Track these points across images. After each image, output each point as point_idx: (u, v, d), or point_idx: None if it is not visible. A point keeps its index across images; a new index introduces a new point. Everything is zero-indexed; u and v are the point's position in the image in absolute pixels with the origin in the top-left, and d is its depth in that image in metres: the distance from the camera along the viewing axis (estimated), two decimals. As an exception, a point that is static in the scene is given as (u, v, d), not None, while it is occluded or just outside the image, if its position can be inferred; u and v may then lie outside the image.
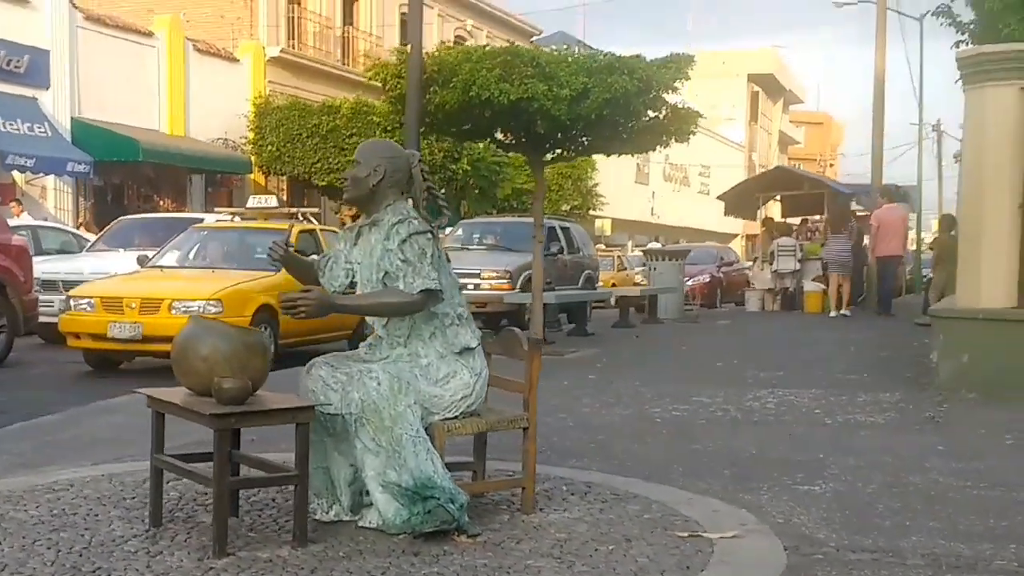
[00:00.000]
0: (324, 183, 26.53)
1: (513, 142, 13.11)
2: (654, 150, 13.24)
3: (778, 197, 25.28)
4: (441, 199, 5.13)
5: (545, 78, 11.34)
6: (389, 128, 25.92)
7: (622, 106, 11.75)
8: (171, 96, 25.39)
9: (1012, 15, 13.28)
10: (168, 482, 5.65)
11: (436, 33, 36.53)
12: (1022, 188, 8.68)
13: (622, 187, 42.37)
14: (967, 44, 16.32)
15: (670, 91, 12.31)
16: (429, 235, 4.83)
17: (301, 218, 14.40)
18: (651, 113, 12.33)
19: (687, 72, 12.16)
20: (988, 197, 8.77)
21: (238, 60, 27.75)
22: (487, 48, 11.86)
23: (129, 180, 24.58)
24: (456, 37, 37.75)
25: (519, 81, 11.29)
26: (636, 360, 12.16)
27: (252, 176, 27.50)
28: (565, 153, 13.16)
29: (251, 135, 26.83)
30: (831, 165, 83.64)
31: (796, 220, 24.60)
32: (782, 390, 9.18)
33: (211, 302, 11.55)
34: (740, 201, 23.68)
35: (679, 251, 20.12)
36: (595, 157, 25.51)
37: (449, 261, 5.13)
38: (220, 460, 4.46)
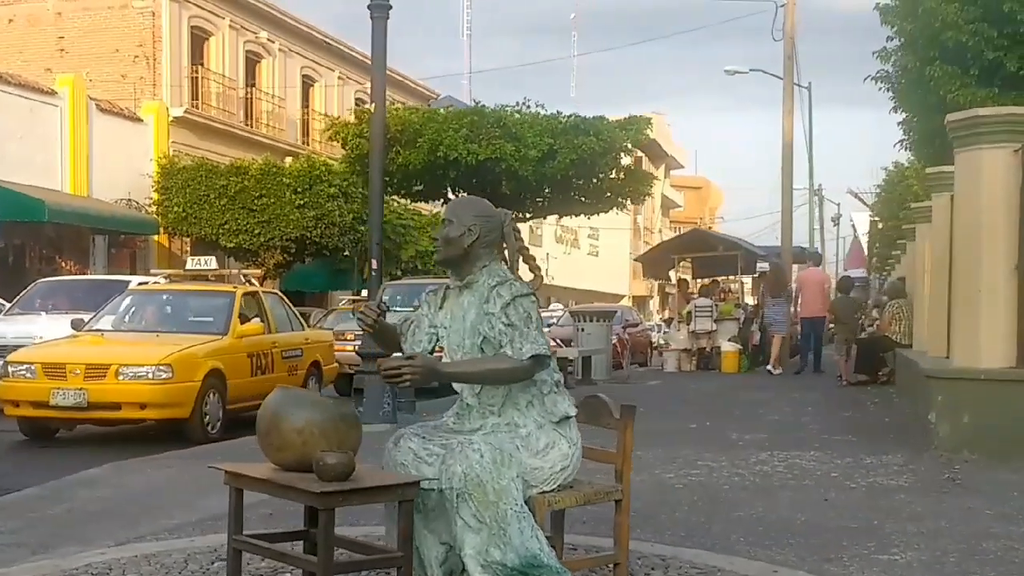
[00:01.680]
0: (232, 244, 25.96)
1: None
2: (610, 211, 13.16)
3: (689, 259, 25.53)
4: (534, 260, 4.86)
5: (512, 139, 11.22)
6: (300, 190, 25.57)
7: (588, 166, 11.71)
8: (74, 155, 24.63)
9: (951, 82, 13.60)
10: (213, 562, 5.27)
11: (337, 96, 36.28)
12: (1018, 249, 8.75)
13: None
14: (899, 110, 16.76)
15: (625, 153, 12.31)
16: (533, 298, 4.57)
17: (244, 280, 13.92)
18: (613, 174, 12.27)
19: (647, 133, 12.16)
20: (984, 258, 8.83)
21: (141, 120, 27.06)
22: (451, 109, 11.67)
23: (31, 241, 23.65)
24: (357, 99, 37.55)
25: (487, 141, 11.17)
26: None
27: (157, 238, 26.76)
28: (523, 215, 13.00)
29: (155, 195, 26.14)
30: (710, 228, 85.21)
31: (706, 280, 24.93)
32: (782, 452, 9.05)
33: (161, 367, 11.07)
34: (656, 263, 23.81)
35: (607, 312, 20.07)
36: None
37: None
38: (327, 542, 4.12)
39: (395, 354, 4.74)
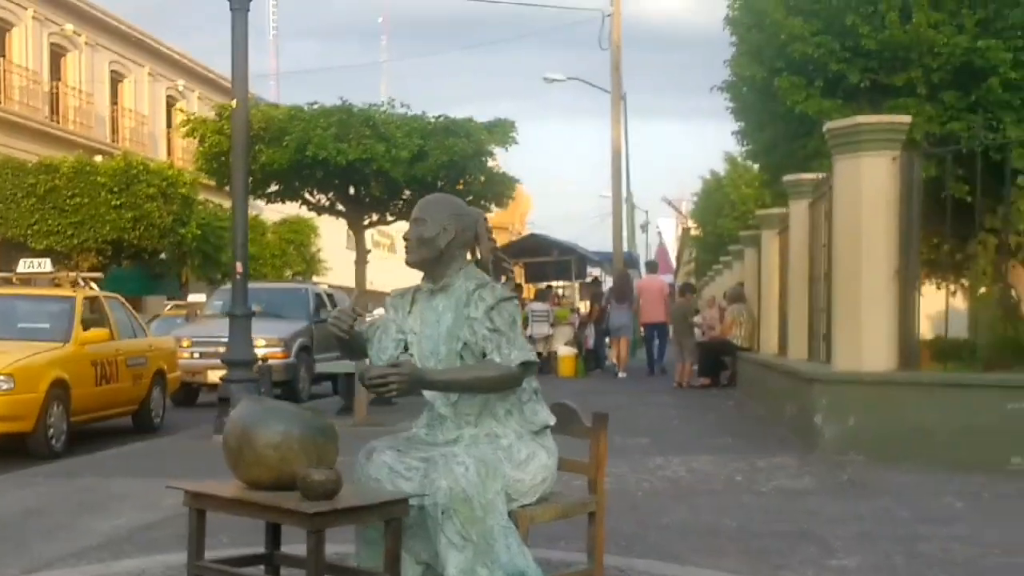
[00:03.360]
0: (42, 246, 24.59)
1: (327, 204, 12.53)
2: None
3: (520, 264, 25.60)
4: (506, 262, 4.63)
5: (381, 139, 10.90)
6: (116, 189, 24.49)
7: (458, 168, 11.49)
8: None
9: (797, 93, 13.87)
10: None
11: (148, 94, 35.00)
12: (898, 254, 8.97)
13: (338, 253, 41.73)
14: (739, 120, 17.11)
15: (491, 156, 12.15)
16: (516, 301, 4.34)
17: (83, 283, 13.12)
18: (482, 178, 12.09)
19: (514, 137, 12.03)
20: (865, 263, 9.02)
21: (-61, 114, 25.44)
22: (317, 106, 11.26)
23: None
24: (168, 96, 36.31)
25: (356, 141, 10.80)
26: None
27: (-42, 239, 25.21)
28: (383, 217, 12.69)
29: (-43, 195, 24.66)
30: (520, 234, 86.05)
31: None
32: (676, 457, 9.03)
33: (1, 378, 10.30)
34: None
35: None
36: (317, 222, 24.98)
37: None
38: (317, 567, 3.80)
39: (366, 360, 4.43)
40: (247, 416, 4.07)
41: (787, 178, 12.61)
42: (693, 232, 36.04)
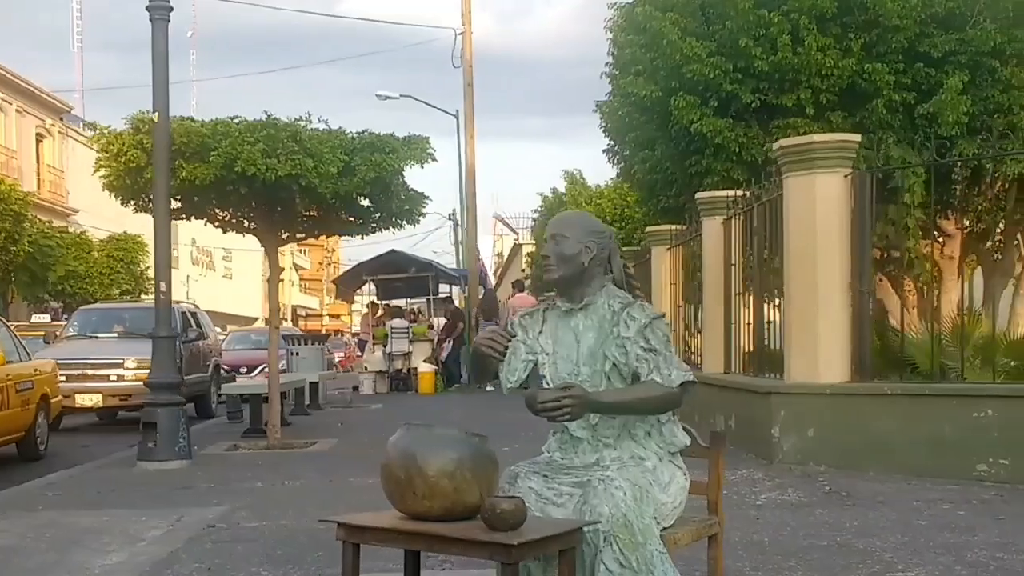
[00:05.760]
0: None
1: (234, 221, 12.06)
2: (384, 230, 12.66)
3: (372, 281, 25.31)
4: (635, 279, 4.51)
5: (309, 155, 10.57)
6: None
7: (383, 185, 11.26)
8: None
9: (693, 112, 14.10)
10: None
11: (15, 130, 33.35)
12: (851, 269, 9.20)
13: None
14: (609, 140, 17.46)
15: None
16: (666, 319, 4.24)
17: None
18: (402, 195, 11.86)
19: (431, 154, 11.85)
20: (820, 277, 9.21)
21: None
22: (241, 121, 10.82)
23: None
24: (37, 135, 34.72)
25: (286, 157, 10.44)
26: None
27: None
28: (296, 235, 12.32)
29: None
30: (333, 251, 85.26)
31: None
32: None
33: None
34: (351, 284, 23.45)
35: (320, 335, 19.52)
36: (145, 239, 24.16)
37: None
38: (513, 603, 3.59)
39: (548, 386, 4.20)
40: (416, 444, 3.84)
41: (700, 195, 12.79)
42: (531, 248, 36.42)
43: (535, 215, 33.14)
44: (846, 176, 9.29)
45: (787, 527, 6.80)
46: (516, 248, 43.25)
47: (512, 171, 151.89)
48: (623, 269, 4.46)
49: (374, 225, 12.33)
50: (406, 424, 3.98)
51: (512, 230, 43.76)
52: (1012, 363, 10.48)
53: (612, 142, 17.98)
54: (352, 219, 12.23)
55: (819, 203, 9.24)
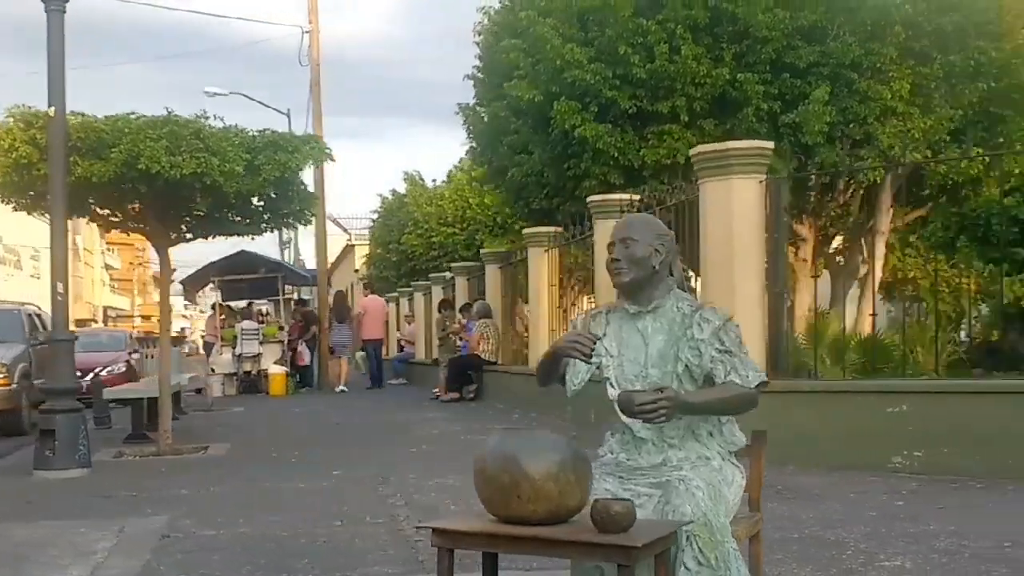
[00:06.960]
0: None
1: (122, 221, 11.68)
2: (276, 230, 12.46)
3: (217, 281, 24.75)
4: (690, 280, 4.63)
5: (213, 153, 10.32)
6: None
7: (286, 184, 11.09)
8: None
9: (574, 117, 14.33)
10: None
11: None
12: (766, 271, 9.55)
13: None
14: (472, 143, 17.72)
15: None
16: (737, 322, 4.37)
17: None
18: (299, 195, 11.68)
19: (329, 153, 11.74)
20: (738, 282, 9.52)
21: None
22: (136, 117, 10.47)
23: None
24: None
25: (190, 155, 10.17)
26: (290, 448, 11.74)
27: None
28: (184, 235, 11.98)
29: None
30: (143, 250, 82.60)
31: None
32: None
33: None
34: (199, 285, 22.91)
35: (176, 337, 18.96)
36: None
37: None
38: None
39: (638, 388, 4.22)
40: (517, 447, 3.85)
41: (592, 198, 13.04)
42: (365, 249, 36.26)
43: (375, 216, 32.97)
44: (761, 182, 9.63)
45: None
46: (348, 248, 42.93)
47: (333, 169, 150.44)
48: (683, 270, 4.57)
49: (264, 225, 12.09)
50: (501, 429, 4.00)
51: (344, 230, 43.41)
52: (861, 360, 11.24)
53: (476, 145, 18.19)
54: (240, 219, 11.96)
55: (736, 208, 9.55)
